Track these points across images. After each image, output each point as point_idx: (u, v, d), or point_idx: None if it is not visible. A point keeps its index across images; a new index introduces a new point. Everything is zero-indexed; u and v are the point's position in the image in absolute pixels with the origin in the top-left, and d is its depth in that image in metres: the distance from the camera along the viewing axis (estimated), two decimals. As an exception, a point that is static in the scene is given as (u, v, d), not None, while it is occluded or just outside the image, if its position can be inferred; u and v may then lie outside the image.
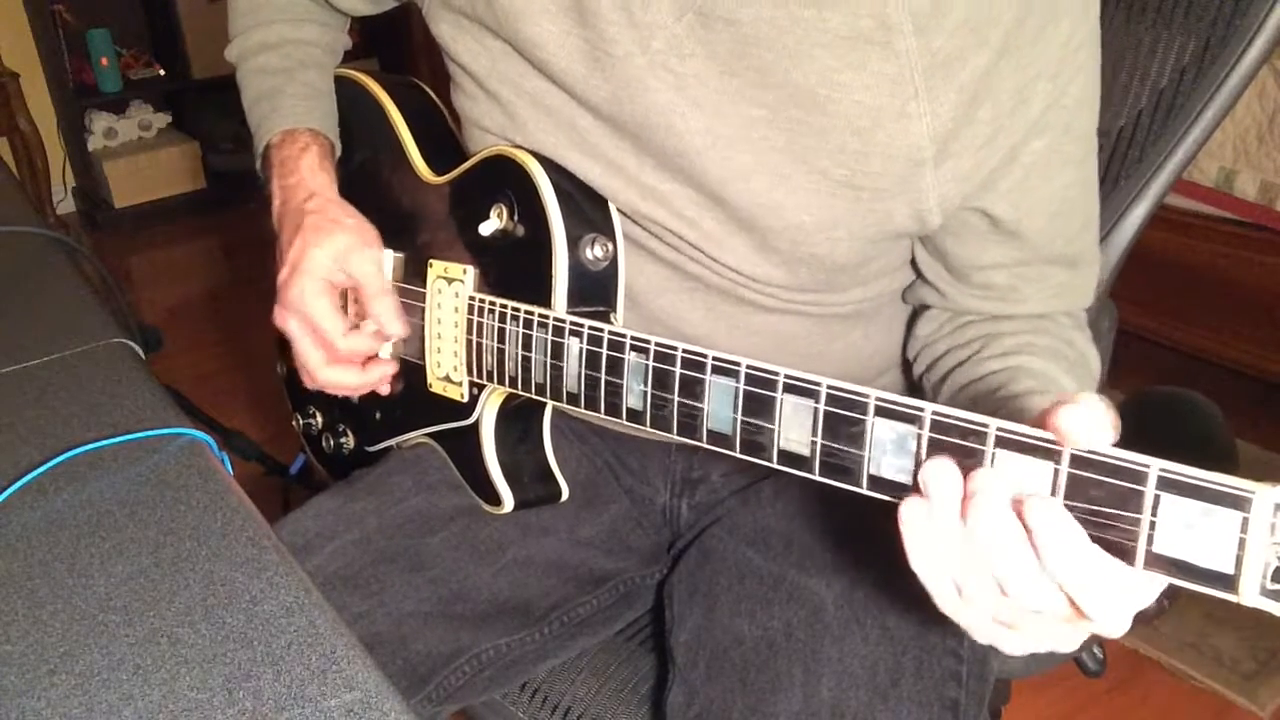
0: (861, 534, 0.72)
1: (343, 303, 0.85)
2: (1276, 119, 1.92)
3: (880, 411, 0.49)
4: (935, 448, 0.47)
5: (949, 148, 0.62)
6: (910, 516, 0.46)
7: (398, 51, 3.47)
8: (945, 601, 0.47)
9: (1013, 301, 0.71)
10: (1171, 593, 0.42)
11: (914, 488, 0.47)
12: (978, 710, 0.70)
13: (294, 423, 1.00)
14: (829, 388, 0.51)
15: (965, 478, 0.44)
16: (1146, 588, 0.42)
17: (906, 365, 0.83)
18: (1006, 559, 0.43)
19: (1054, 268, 0.70)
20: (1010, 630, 0.47)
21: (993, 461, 0.45)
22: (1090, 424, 0.41)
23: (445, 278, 0.78)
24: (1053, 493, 0.43)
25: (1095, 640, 0.95)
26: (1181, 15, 0.79)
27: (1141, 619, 0.42)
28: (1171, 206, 2.05)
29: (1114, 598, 0.41)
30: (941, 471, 0.45)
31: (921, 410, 0.47)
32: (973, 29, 0.59)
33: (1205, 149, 0.95)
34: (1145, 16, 0.81)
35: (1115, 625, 0.43)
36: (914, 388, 0.82)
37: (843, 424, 0.50)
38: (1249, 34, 0.76)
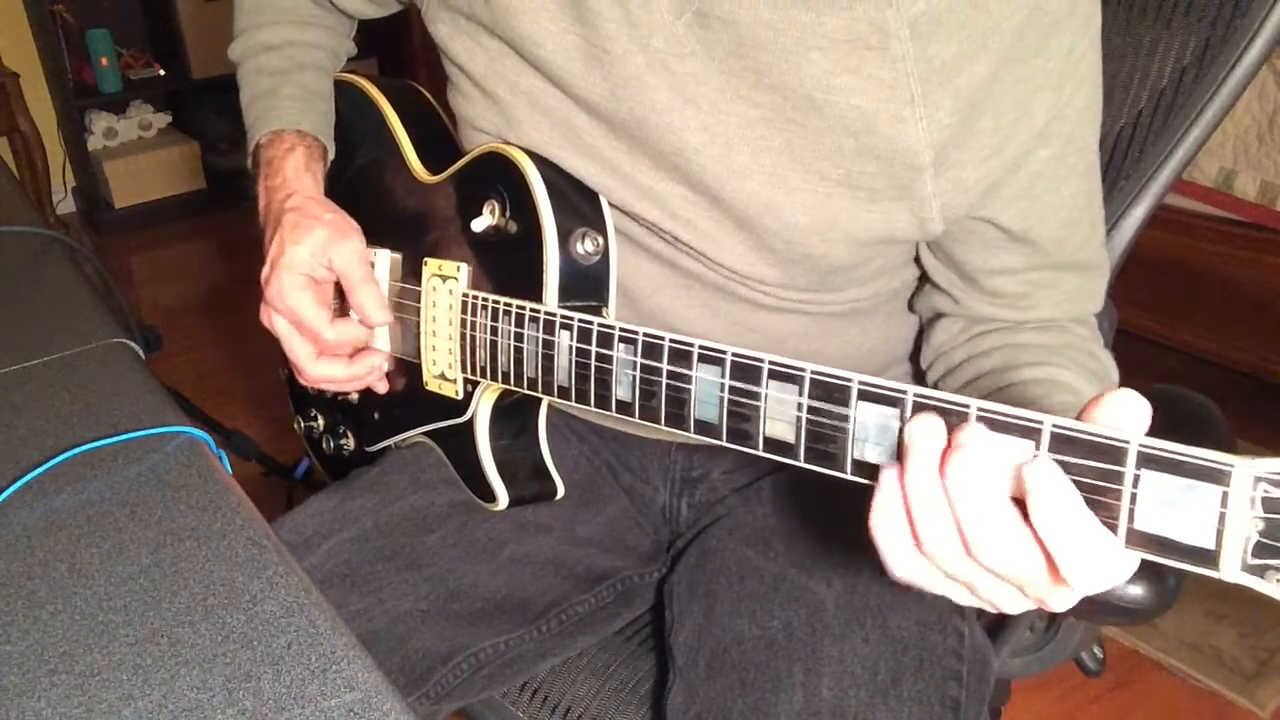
0: (862, 534, 0.72)
1: (337, 303, 0.85)
2: (1276, 119, 1.92)
3: (863, 396, 0.49)
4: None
5: (949, 156, 0.62)
6: (888, 481, 0.46)
7: (397, 54, 3.47)
8: (897, 557, 0.47)
9: (1024, 308, 0.70)
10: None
11: (899, 456, 0.47)
12: (978, 710, 0.70)
13: (295, 425, 1.00)
14: (813, 373, 0.51)
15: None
16: (1127, 560, 0.41)
17: (908, 363, 0.83)
18: (981, 519, 0.43)
19: (1065, 273, 0.70)
20: (961, 588, 0.47)
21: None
22: (1131, 411, 0.41)
23: (440, 275, 0.78)
24: None
25: (1095, 640, 0.95)
26: (1181, 15, 0.79)
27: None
28: (1171, 206, 2.05)
29: (1099, 564, 0.41)
30: (928, 425, 0.45)
31: (904, 393, 0.47)
32: (971, 37, 0.59)
33: (1205, 149, 0.95)
34: (1145, 16, 0.81)
35: (1087, 591, 0.42)
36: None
37: (826, 409, 0.51)
38: (1249, 34, 0.76)
